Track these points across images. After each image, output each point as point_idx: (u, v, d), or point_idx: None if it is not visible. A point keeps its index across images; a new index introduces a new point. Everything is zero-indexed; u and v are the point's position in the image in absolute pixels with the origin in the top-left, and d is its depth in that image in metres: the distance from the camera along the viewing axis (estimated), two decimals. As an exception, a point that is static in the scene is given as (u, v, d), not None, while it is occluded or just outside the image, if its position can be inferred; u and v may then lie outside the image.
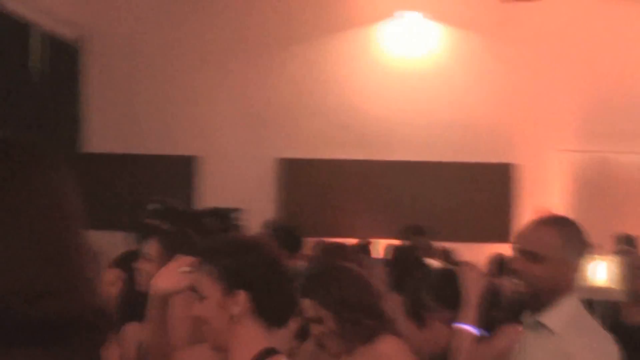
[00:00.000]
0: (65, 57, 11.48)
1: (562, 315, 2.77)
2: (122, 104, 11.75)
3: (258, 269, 2.35)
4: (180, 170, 11.58)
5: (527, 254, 2.84)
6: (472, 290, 3.28)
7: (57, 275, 1.36)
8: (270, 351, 2.35)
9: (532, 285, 2.83)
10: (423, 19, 11.56)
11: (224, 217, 5.15)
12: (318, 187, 11.38)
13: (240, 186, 11.51)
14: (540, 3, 11.19)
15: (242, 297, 2.33)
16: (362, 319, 2.95)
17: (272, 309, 2.37)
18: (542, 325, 2.80)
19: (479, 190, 11.16)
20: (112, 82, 11.83)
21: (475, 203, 11.03)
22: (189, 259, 2.66)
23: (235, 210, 11.26)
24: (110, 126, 11.72)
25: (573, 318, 2.76)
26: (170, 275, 2.70)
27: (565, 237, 2.82)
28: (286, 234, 6.32)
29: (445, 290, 3.53)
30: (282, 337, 2.75)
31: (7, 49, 10.06)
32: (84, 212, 1.55)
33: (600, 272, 6.31)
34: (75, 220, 1.52)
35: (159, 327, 2.77)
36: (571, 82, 11.34)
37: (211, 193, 11.36)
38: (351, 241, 7.20)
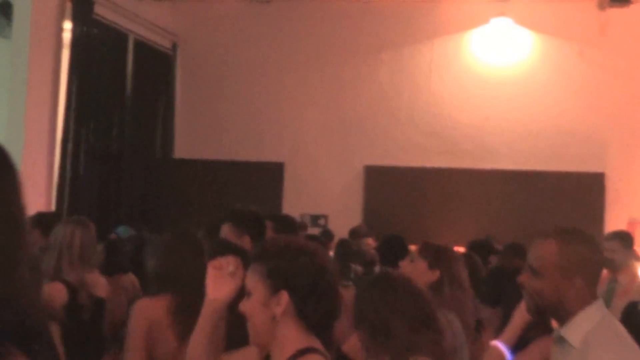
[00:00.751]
0: (159, 65, 11.76)
1: (581, 328, 2.71)
2: (213, 111, 11.97)
3: (304, 273, 2.41)
4: (269, 177, 11.73)
5: (528, 268, 2.82)
6: (520, 314, 3.21)
7: (12, 283, 1.42)
8: (308, 350, 2.39)
9: (534, 299, 2.80)
10: (515, 25, 11.45)
11: (287, 224, 5.22)
12: (405, 194, 11.36)
13: (328, 192, 11.59)
14: (635, 10, 10.95)
15: (284, 297, 2.39)
16: (386, 338, 2.87)
17: (313, 314, 2.41)
18: (565, 340, 2.76)
19: (571, 200, 10.96)
20: (203, 90, 12.07)
21: (566, 212, 10.82)
22: (230, 259, 2.71)
23: (321, 216, 11.37)
24: (201, 133, 11.95)
25: (593, 331, 2.69)
26: (222, 283, 2.71)
27: (566, 251, 2.74)
28: (392, 242, 6.46)
29: (487, 287, 3.52)
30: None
31: (105, 57, 10.37)
32: (24, 216, 1.52)
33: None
34: (23, 226, 1.50)
35: (205, 338, 2.77)
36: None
37: (298, 199, 11.47)
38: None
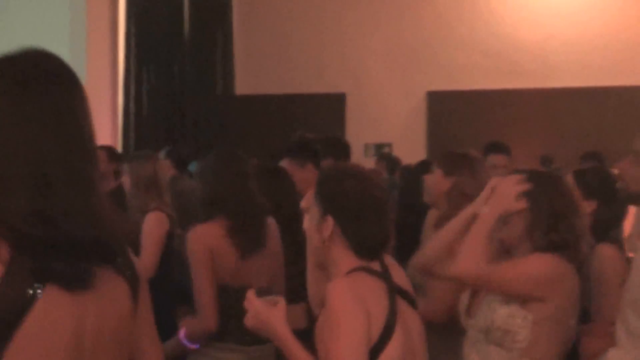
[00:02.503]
0: (217, 1, 11.70)
1: None
2: (272, 45, 11.92)
3: (347, 196, 2.46)
4: (331, 108, 11.70)
5: (633, 153, 2.81)
6: None
7: (55, 199, 1.45)
8: (357, 268, 2.44)
9: (629, 184, 2.85)
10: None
11: (337, 146, 5.23)
12: (469, 118, 11.24)
13: (391, 121, 11.53)
14: None
15: (329, 222, 2.46)
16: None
17: (358, 237, 2.46)
18: None
19: (640, 115, 10.73)
20: (261, 24, 12.01)
21: (637, 127, 10.58)
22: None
23: (385, 144, 11.32)
24: (262, 68, 11.94)
25: None
26: None
27: None
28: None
29: (588, 179, 3.54)
30: None
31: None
32: (92, 133, 1.53)
33: None
34: (92, 143, 1.53)
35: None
36: None
37: (362, 129, 11.44)
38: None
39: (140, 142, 9.62)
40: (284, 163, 4.76)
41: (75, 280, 1.45)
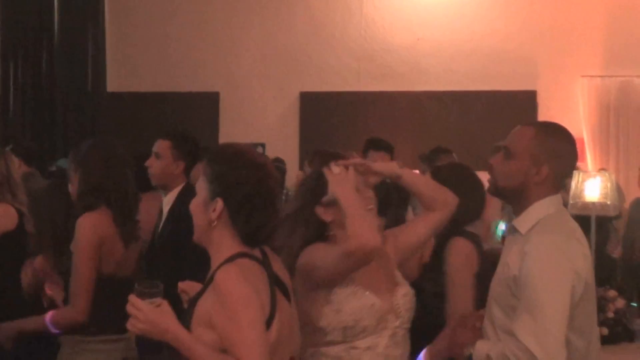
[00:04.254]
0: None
1: (532, 217, 2.82)
2: (145, 43, 11.76)
3: (241, 183, 2.46)
4: (204, 107, 11.63)
5: (502, 148, 2.91)
6: None
7: None
8: (239, 255, 2.44)
9: (497, 180, 2.90)
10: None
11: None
12: (341, 119, 11.38)
13: (264, 121, 11.57)
14: None
15: (219, 204, 2.46)
16: None
17: (244, 225, 2.46)
18: (515, 229, 2.86)
19: (504, 118, 11.05)
20: (134, 21, 11.83)
21: (500, 131, 10.91)
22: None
23: (258, 144, 11.35)
24: (134, 65, 11.76)
25: (543, 220, 2.79)
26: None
27: (542, 139, 2.83)
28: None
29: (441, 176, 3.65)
30: None
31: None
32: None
33: (593, 188, 6.23)
34: None
35: None
36: (594, 6, 11.20)
37: (235, 128, 11.43)
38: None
39: (6, 139, 9.34)
40: (164, 143, 4.73)
41: None
